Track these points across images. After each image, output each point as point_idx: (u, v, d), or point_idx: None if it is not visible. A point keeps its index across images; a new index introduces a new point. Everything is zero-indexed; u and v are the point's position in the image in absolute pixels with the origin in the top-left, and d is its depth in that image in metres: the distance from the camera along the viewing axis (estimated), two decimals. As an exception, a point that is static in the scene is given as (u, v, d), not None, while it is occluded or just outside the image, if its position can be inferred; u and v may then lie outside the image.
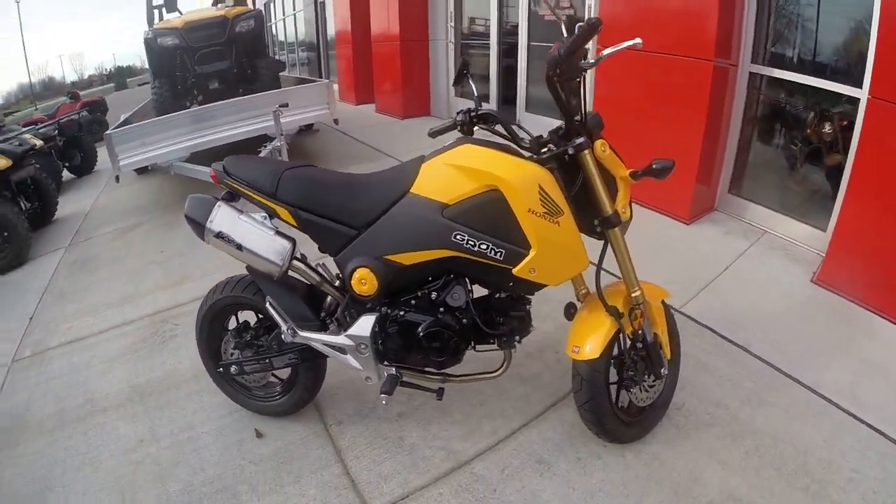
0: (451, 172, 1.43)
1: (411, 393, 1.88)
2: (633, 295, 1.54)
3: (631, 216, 1.54)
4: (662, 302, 1.70)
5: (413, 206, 1.45)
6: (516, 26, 5.13)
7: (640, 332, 1.61)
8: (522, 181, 1.37)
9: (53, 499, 1.83)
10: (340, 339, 1.66)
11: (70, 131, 6.95)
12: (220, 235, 1.65)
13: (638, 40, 1.30)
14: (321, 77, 10.82)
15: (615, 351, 1.63)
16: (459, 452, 1.80)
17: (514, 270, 1.42)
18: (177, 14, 5.88)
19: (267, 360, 1.83)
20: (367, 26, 7.45)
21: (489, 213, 1.39)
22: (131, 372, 2.45)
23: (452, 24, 6.23)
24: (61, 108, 10.33)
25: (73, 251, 4.26)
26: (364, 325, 1.60)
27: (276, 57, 7.90)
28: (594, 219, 1.49)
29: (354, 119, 7.01)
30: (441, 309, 1.56)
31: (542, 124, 4.81)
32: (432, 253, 1.46)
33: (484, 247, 1.41)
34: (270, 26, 15.98)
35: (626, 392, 1.68)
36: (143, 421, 2.14)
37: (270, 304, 1.73)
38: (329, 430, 1.96)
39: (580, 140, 1.40)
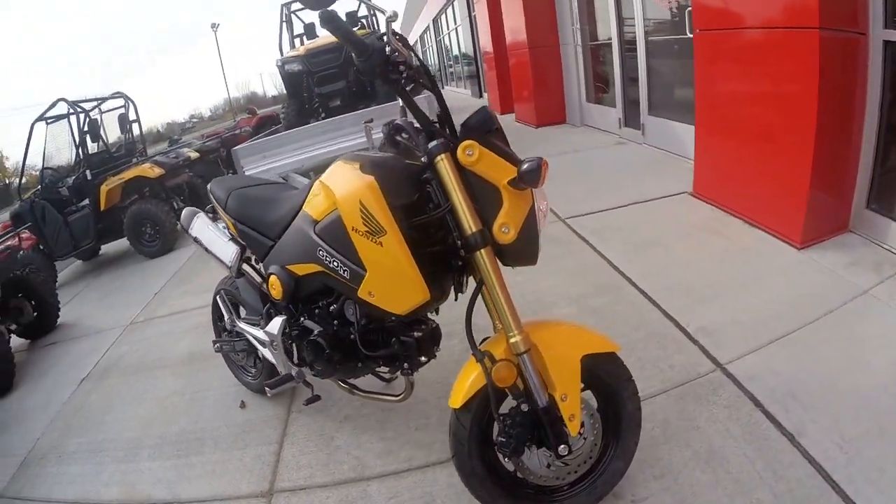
0: (320, 190, 1.40)
1: (365, 401, 1.93)
2: (511, 341, 1.20)
3: (523, 237, 1.20)
4: (589, 357, 1.25)
5: (302, 221, 1.47)
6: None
7: (519, 389, 1.24)
8: (345, 198, 1.26)
9: (109, 418, 2.52)
10: (259, 334, 1.77)
11: (232, 143, 7.96)
12: (195, 240, 2.05)
13: (391, 12, 1.10)
14: (481, 90, 11.27)
15: (503, 405, 1.30)
16: (368, 468, 1.73)
17: (357, 292, 1.31)
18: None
19: (229, 344, 2.06)
20: (503, 36, 7.50)
21: (334, 231, 1.32)
22: (195, 343, 3.00)
23: (577, 26, 5.84)
24: (240, 122, 12.25)
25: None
26: (274, 324, 1.69)
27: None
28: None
29: (495, 128, 7.34)
30: (336, 321, 1.54)
31: (667, 130, 4.17)
32: (309, 266, 1.46)
33: (335, 265, 1.34)
34: (442, 38, 17.25)
35: (511, 460, 1.31)
36: (182, 379, 2.66)
37: (218, 296, 1.96)
38: (289, 415, 2.13)
39: (431, 144, 1.20)
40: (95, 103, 6.22)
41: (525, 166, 1.12)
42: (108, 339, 3.48)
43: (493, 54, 8.47)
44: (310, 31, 7.02)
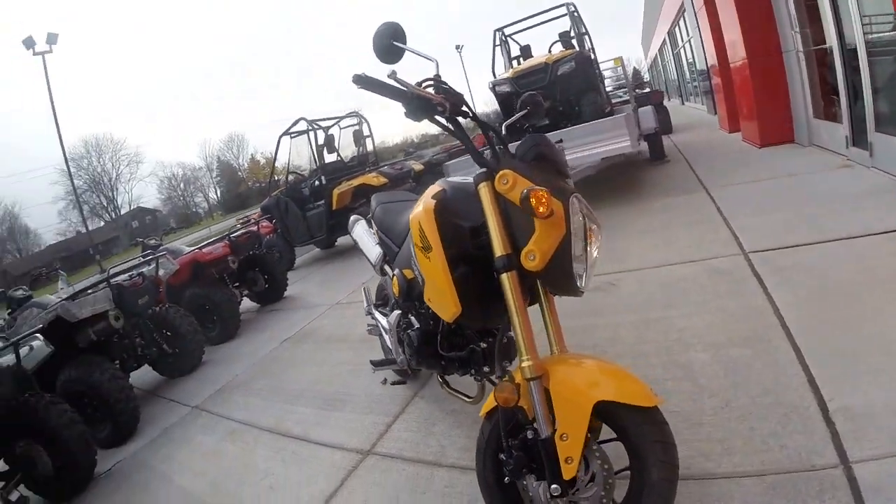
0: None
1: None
2: (522, 365, 1.24)
3: (549, 269, 1.22)
4: (609, 404, 1.17)
5: (409, 233, 1.72)
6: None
7: (527, 414, 1.26)
8: (413, 218, 1.51)
9: (291, 371, 3.36)
10: (383, 322, 2.17)
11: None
12: (354, 241, 2.58)
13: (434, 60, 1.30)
14: (714, 105, 10.16)
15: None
16: (445, 457, 1.99)
17: (424, 297, 1.53)
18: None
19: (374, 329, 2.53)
20: (724, 46, 6.67)
21: (409, 244, 1.58)
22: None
23: (797, 30, 4.82)
24: (477, 137, 13.45)
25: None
26: (392, 317, 2.05)
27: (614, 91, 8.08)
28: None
29: (716, 148, 6.80)
30: (431, 322, 1.77)
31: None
32: (410, 272, 1.74)
33: (417, 272, 1.58)
34: (677, 52, 15.85)
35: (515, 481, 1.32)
36: (353, 353, 3.30)
37: (364, 287, 2.45)
38: (413, 398, 2.51)
39: (476, 173, 1.34)
40: (333, 121, 7.82)
41: (522, 193, 1.20)
42: (315, 314, 4.51)
43: (717, 67, 7.62)
44: (526, 52, 7.26)
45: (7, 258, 40.40)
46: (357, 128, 7.96)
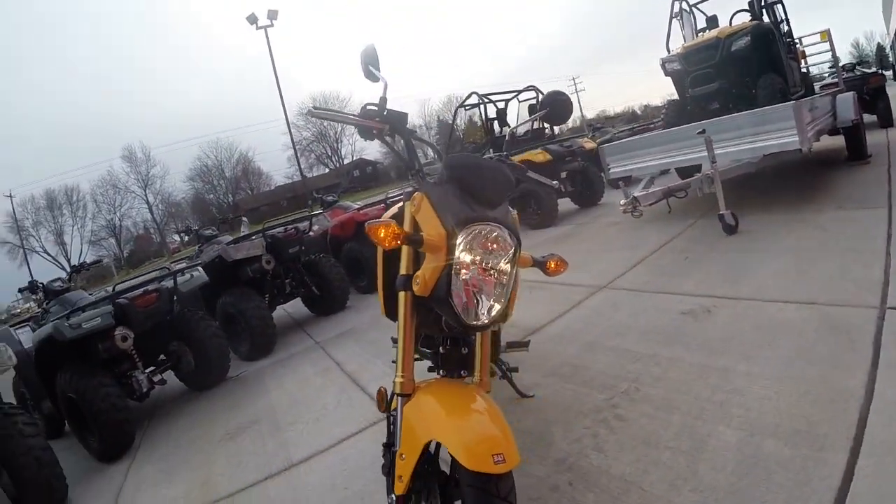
0: None
1: (546, 406, 2.21)
2: (395, 380, 1.27)
3: (433, 297, 1.21)
4: (444, 447, 1.11)
5: None
6: None
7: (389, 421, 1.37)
8: None
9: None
10: None
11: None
12: None
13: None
14: None
15: None
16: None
17: None
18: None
19: None
20: None
21: None
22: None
23: None
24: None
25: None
26: None
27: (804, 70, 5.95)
28: None
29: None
30: None
31: None
32: None
33: None
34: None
35: None
36: None
37: None
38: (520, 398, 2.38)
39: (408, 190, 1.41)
40: (507, 95, 7.71)
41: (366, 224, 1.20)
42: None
43: None
44: (712, 24, 6.11)
45: (241, 194, 48.77)
46: (533, 102, 7.57)
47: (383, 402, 1.40)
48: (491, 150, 7.13)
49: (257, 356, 4.12)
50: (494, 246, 1.19)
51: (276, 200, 39.71)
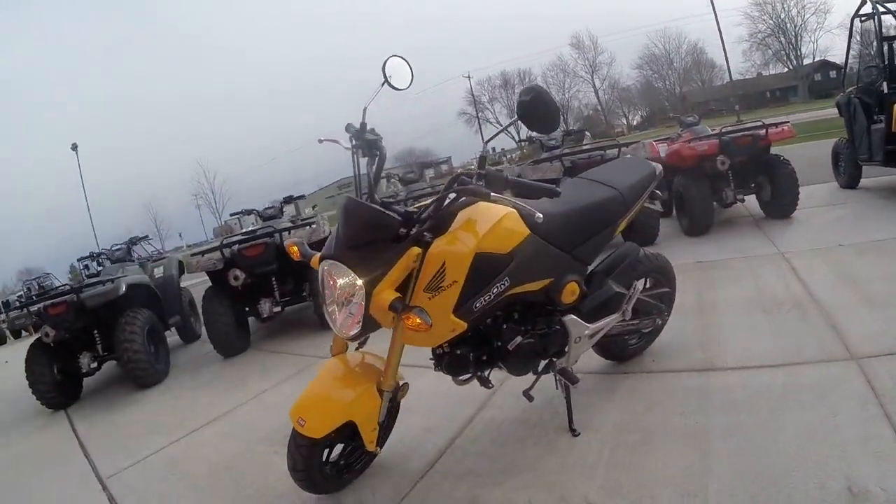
0: None
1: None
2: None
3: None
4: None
5: None
6: None
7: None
8: None
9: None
10: None
11: None
12: None
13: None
14: None
15: None
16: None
17: None
18: None
19: None
20: None
21: None
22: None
23: None
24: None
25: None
26: None
27: None
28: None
29: None
30: None
31: None
32: None
33: None
34: None
35: None
36: None
37: None
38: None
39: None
40: None
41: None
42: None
43: None
44: None
45: (691, 86, 45.62)
46: None
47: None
48: (885, 85, 4.49)
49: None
50: (331, 280, 1.53)
51: (725, 96, 32.31)
